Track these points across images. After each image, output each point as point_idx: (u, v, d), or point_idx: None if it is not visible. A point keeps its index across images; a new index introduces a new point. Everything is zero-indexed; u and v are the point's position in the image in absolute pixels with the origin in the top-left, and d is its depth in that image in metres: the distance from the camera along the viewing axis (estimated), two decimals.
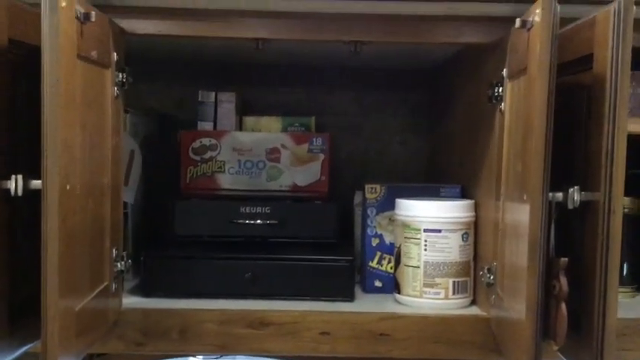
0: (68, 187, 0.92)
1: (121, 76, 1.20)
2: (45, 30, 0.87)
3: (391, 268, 1.37)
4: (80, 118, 0.98)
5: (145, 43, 1.32)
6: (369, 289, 1.39)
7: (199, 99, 1.63)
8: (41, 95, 0.87)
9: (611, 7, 0.91)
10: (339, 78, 1.80)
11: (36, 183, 0.93)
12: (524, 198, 0.97)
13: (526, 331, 0.93)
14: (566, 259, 0.97)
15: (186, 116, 1.71)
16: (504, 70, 1.16)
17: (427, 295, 1.28)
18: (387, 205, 1.38)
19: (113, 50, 1.16)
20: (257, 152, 1.57)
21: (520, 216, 0.99)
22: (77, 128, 0.97)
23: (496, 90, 1.19)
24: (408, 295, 1.30)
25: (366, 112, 1.84)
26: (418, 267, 1.28)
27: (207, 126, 1.62)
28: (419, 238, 1.28)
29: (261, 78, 1.79)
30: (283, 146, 1.58)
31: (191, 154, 1.57)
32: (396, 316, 1.24)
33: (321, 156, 1.58)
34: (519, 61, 1.05)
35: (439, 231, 1.27)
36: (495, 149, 1.20)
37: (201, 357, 1.74)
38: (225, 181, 1.57)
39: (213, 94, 1.64)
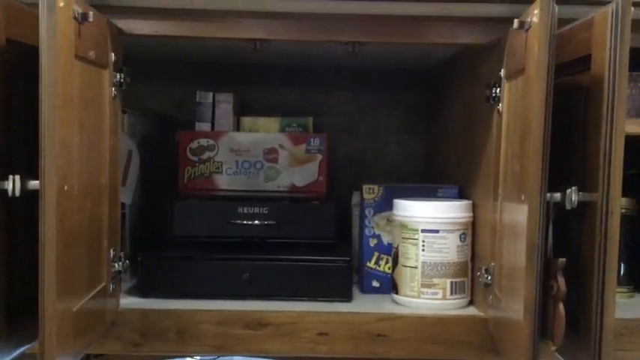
0: (66, 188, 0.92)
1: (118, 76, 1.19)
2: (42, 30, 0.87)
3: (389, 268, 1.37)
4: (78, 119, 0.98)
5: (143, 44, 1.32)
6: (367, 290, 1.39)
7: (197, 99, 1.63)
8: (39, 95, 0.87)
9: (609, 8, 0.91)
10: (337, 78, 1.80)
11: (33, 183, 0.93)
12: (522, 198, 0.97)
13: (524, 332, 0.93)
14: (564, 259, 0.97)
15: (184, 117, 1.70)
16: (502, 70, 1.16)
17: (425, 295, 1.28)
18: (385, 205, 1.38)
19: (111, 50, 1.15)
20: (255, 153, 1.57)
21: (518, 216, 0.99)
22: (75, 128, 0.97)
23: (493, 90, 1.19)
24: (406, 296, 1.30)
25: (364, 113, 1.84)
26: (416, 267, 1.28)
27: (205, 126, 1.62)
28: (416, 239, 1.28)
29: (258, 79, 1.79)
30: (281, 147, 1.58)
31: (189, 155, 1.57)
32: (394, 316, 1.24)
33: (319, 156, 1.58)
34: (517, 61, 1.05)
35: (437, 231, 1.27)
36: (493, 150, 1.20)
37: (198, 358, 1.73)
38: (223, 181, 1.57)
39: (211, 94, 1.64)
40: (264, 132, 1.64)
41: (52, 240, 0.87)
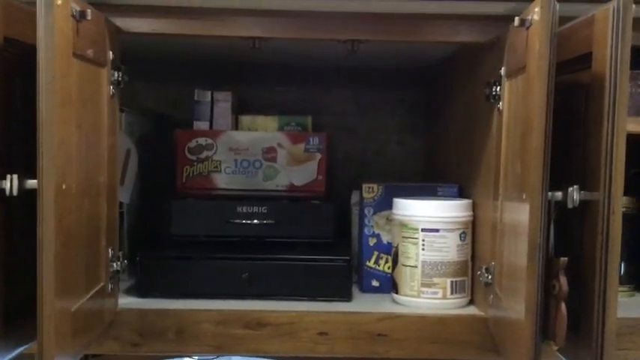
0: (64, 187, 0.91)
1: (116, 74, 1.19)
2: (40, 28, 0.87)
3: (389, 267, 1.37)
4: (76, 117, 0.98)
5: (141, 43, 1.31)
6: (367, 289, 1.39)
7: (195, 98, 1.63)
8: (37, 94, 0.87)
9: (610, 6, 0.91)
10: (336, 77, 1.80)
11: (32, 182, 0.92)
12: (524, 197, 0.96)
13: (525, 332, 0.93)
14: (566, 258, 0.97)
15: (182, 116, 1.70)
16: (502, 69, 1.16)
17: (425, 294, 1.27)
18: (385, 204, 1.38)
19: (109, 49, 1.15)
20: (253, 152, 1.57)
21: (519, 215, 0.98)
22: (73, 127, 0.97)
23: (494, 89, 1.19)
24: (406, 295, 1.29)
25: (363, 112, 1.83)
26: (416, 267, 1.28)
27: (204, 125, 1.62)
28: (416, 238, 1.28)
29: (257, 77, 1.78)
30: (280, 146, 1.57)
31: (187, 154, 1.56)
32: (394, 316, 1.24)
33: (318, 155, 1.58)
34: (518, 59, 1.05)
35: (437, 230, 1.27)
36: (493, 148, 1.19)
37: (197, 358, 1.73)
38: (222, 180, 1.57)
39: (210, 93, 1.63)
40: (263, 131, 1.64)
41: (50, 239, 0.87)
